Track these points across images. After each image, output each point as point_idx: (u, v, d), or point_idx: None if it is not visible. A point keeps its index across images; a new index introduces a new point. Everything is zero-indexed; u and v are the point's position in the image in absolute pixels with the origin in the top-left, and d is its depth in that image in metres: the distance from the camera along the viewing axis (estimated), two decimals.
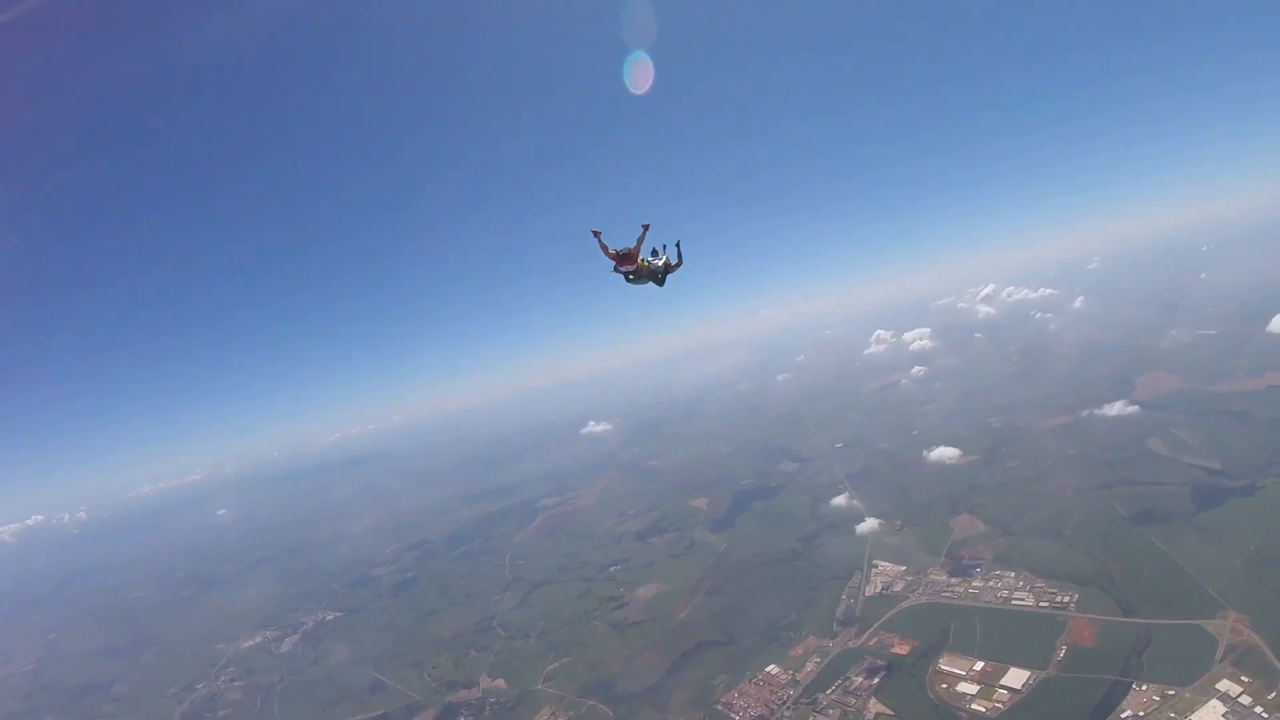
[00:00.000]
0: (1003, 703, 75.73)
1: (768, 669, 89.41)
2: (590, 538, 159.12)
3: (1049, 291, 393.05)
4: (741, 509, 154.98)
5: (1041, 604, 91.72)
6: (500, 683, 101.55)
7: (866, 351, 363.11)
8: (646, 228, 17.88)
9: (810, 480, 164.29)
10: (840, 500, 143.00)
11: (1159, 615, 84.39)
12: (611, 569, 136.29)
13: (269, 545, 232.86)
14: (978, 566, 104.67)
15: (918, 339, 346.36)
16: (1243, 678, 69.83)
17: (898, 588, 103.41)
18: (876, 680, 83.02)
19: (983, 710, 75.14)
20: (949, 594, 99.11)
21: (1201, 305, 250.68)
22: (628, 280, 19.63)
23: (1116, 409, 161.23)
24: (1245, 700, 65.16)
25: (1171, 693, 71.23)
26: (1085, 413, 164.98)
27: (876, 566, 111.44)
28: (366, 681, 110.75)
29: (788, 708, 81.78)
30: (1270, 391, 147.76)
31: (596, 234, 18.26)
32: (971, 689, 78.61)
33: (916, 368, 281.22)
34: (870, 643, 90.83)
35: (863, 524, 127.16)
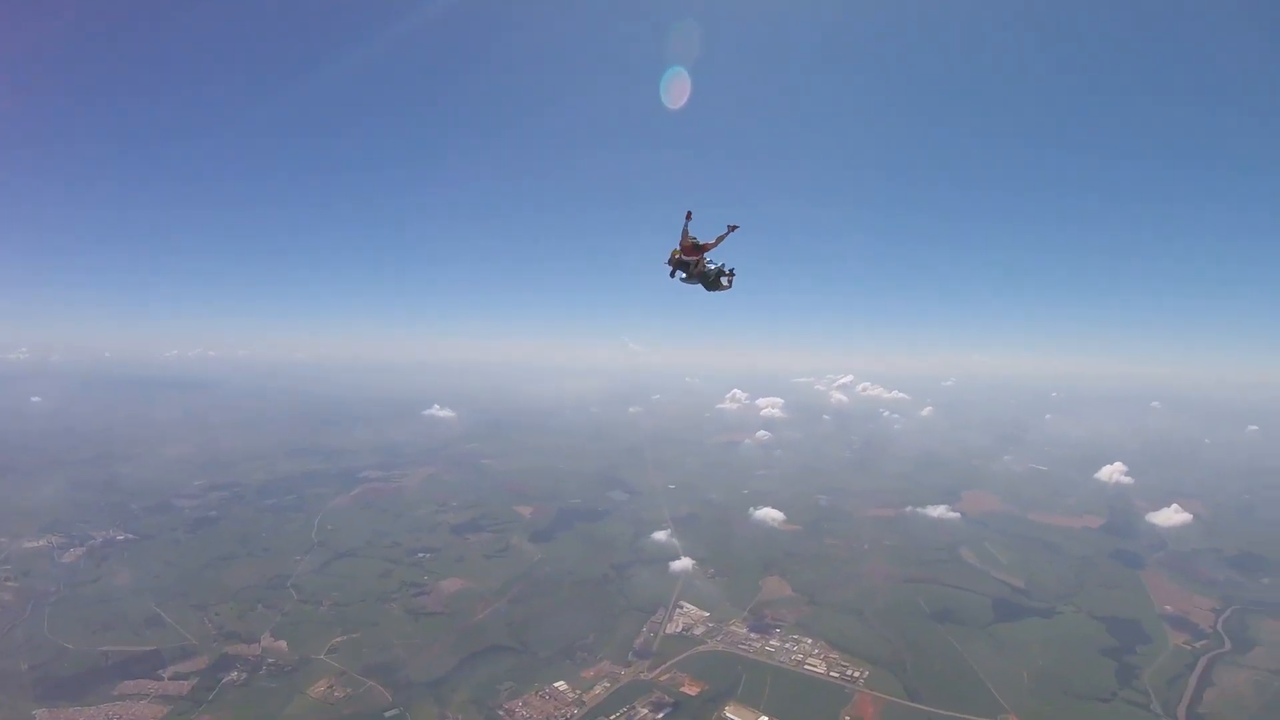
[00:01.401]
0: None
1: (556, 684, 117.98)
2: (406, 519, 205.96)
3: (901, 395, 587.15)
4: (564, 525, 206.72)
5: (832, 674, 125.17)
6: (282, 644, 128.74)
7: (719, 406, 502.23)
8: (733, 228, 23.47)
9: (636, 513, 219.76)
10: (661, 538, 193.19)
11: (944, 706, 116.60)
12: (420, 555, 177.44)
13: (75, 447, 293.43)
14: (778, 627, 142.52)
15: (770, 406, 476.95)
16: None
17: (698, 631, 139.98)
18: (661, 715, 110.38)
19: None
20: (745, 647, 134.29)
21: (1040, 443, 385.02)
22: (673, 274, 25.38)
23: (939, 512, 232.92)
24: None
25: None
26: (909, 509, 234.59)
27: (682, 607, 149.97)
28: (144, 613, 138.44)
29: None
30: (1085, 531, 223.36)
31: (688, 216, 23.56)
32: None
33: (762, 432, 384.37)
34: (661, 678, 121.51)
35: (677, 564, 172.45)
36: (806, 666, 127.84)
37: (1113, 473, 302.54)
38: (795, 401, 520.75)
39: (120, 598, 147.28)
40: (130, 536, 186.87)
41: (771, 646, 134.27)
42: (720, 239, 24.03)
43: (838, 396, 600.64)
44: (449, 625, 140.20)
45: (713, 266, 25.13)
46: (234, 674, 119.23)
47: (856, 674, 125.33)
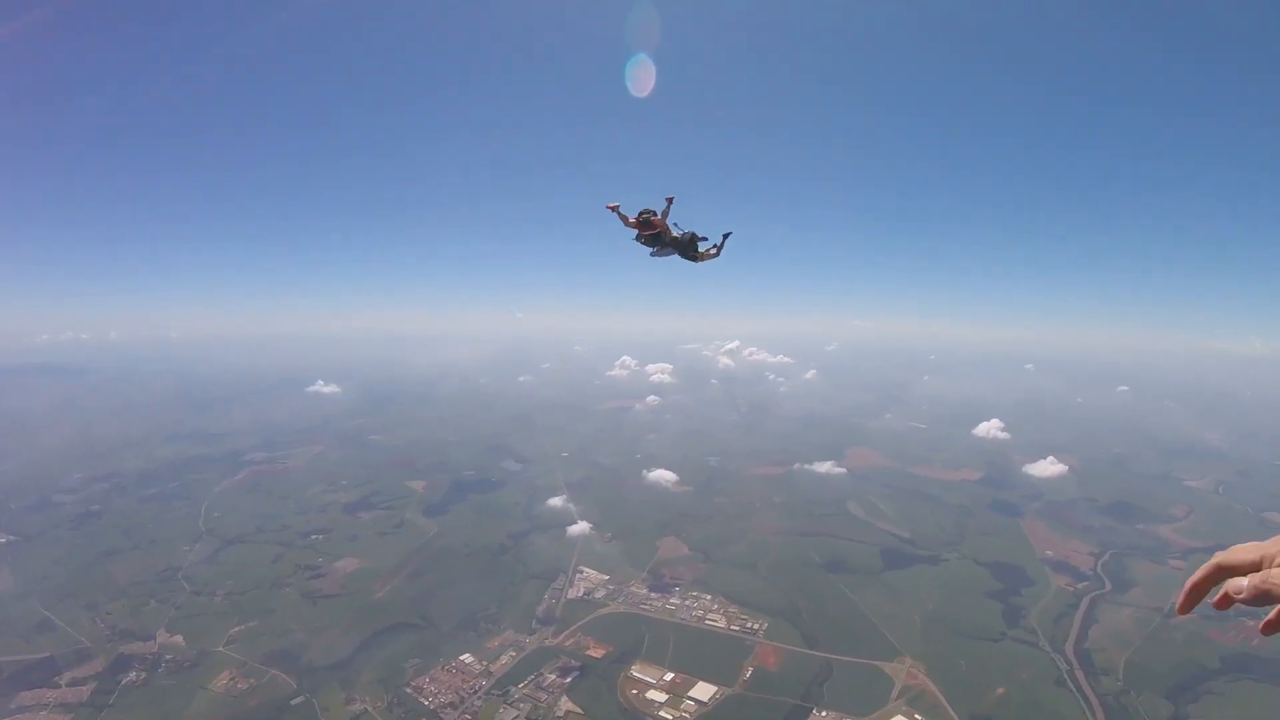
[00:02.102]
0: (689, 713, 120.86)
1: (462, 657, 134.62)
2: (295, 501, 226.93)
3: (786, 359, 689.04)
4: (458, 498, 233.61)
5: (733, 627, 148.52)
6: (179, 639, 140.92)
7: (609, 373, 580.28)
8: (671, 200, 27.25)
9: (530, 481, 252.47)
10: (556, 504, 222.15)
11: (841, 652, 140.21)
12: (313, 537, 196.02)
13: None
14: (677, 586, 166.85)
15: (659, 372, 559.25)
16: (916, 716, 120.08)
17: (599, 594, 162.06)
18: (569, 679, 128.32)
19: (669, 718, 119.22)
20: (647, 606, 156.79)
21: (919, 402, 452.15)
22: (652, 254, 28.85)
23: (825, 468, 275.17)
24: None
25: None
26: (796, 466, 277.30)
27: (581, 572, 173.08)
28: (34, 618, 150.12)
29: (479, 697, 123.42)
30: (964, 483, 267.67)
31: (614, 208, 27.37)
32: (660, 697, 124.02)
33: (652, 397, 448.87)
34: (567, 643, 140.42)
35: (574, 530, 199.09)
36: (707, 622, 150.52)
37: (989, 429, 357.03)
38: (684, 367, 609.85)
39: (6, 603, 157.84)
40: (11, 538, 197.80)
41: (672, 605, 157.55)
42: (665, 211, 27.76)
43: (725, 361, 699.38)
44: (348, 606, 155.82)
45: (682, 234, 28.69)
46: (133, 674, 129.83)
47: (756, 626, 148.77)
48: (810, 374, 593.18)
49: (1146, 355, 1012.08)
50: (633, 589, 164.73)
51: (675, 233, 28.51)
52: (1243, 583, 6.01)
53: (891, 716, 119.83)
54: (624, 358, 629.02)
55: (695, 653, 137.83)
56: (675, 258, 29.50)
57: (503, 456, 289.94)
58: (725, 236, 30.12)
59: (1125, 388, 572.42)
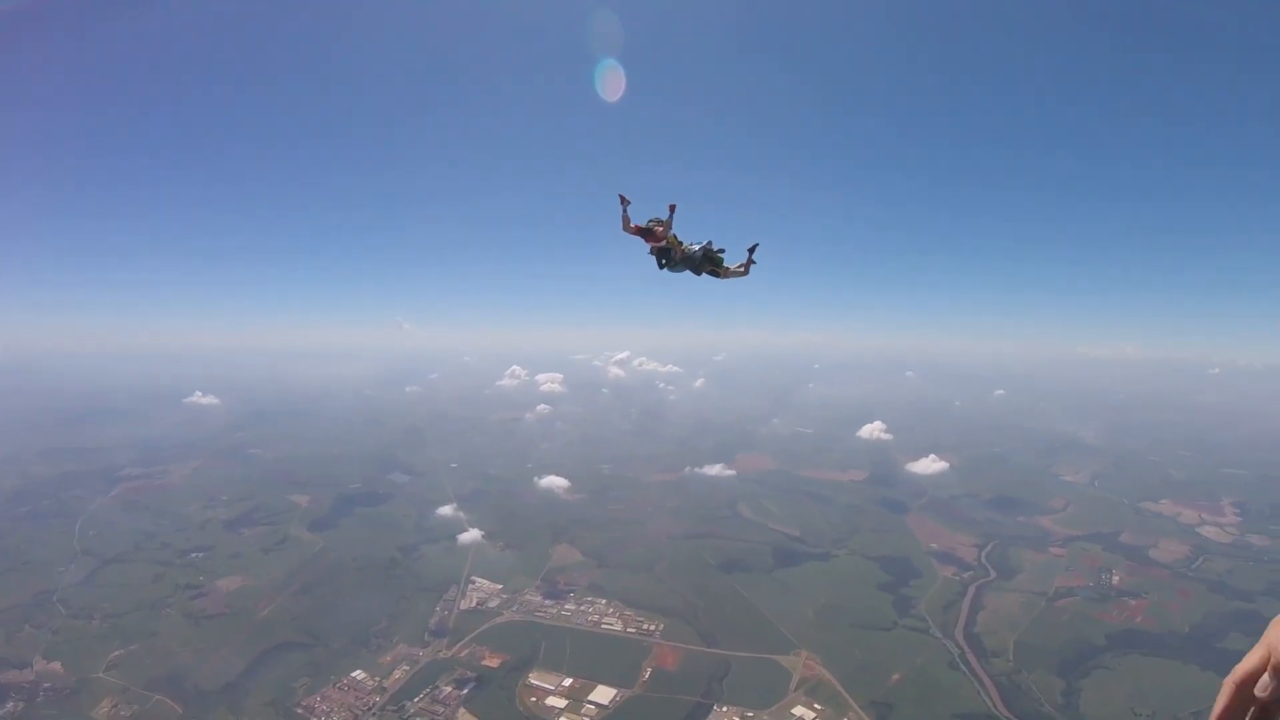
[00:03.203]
0: (590, 717, 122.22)
1: (354, 674, 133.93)
2: (174, 518, 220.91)
3: (675, 368, 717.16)
4: (344, 512, 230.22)
5: (629, 630, 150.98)
6: (57, 666, 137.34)
7: (499, 383, 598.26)
8: (673, 208, 25.77)
9: (420, 493, 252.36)
10: (447, 515, 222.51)
11: (738, 649, 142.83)
12: (193, 555, 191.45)
13: None
14: (572, 591, 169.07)
15: (550, 382, 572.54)
16: (816, 705, 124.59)
17: (493, 604, 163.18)
18: (466, 691, 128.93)
19: None
20: (542, 614, 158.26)
21: (805, 407, 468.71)
22: (660, 265, 27.19)
23: (716, 470, 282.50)
24: None
25: (750, 715, 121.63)
26: (688, 469, 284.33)
27: (474, 582, 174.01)
28: None
29: (373, 714, 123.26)
30: (850, 484, 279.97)
31: (624, 201, 25.74)
32: (560, 703, 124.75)
33: (543, 406, 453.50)
34: (461, 654, 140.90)
35: (465, 540, 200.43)
36: (604, 626, 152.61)
37: (873, 430, 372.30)
38: (574, 377, 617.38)
39: None
40: None
41: (567, 610, 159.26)
42: (668, 220, 26.29)
43: (615, 371, 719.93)
44: (233, 626, 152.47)
45: (696, 247, 26.73)
46: (10, 705, 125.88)
47: (652, 627, 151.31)
48: (699, 382, 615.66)
49: (1022, 360, 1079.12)
50: (527, 597, 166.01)
51: (689, 246, 26.55)
52: (1268, 680, 5.79)
53: (791, 707, 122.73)
54: (514, 368, 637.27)
55: (593, 657, 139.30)
56: (680, 269, 27.13)
57: (390, 469, 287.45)
58: (751, 250, 27.80)
59: (1002, 391, 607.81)
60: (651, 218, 26.28)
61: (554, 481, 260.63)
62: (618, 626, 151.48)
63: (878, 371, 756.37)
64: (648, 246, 26.74)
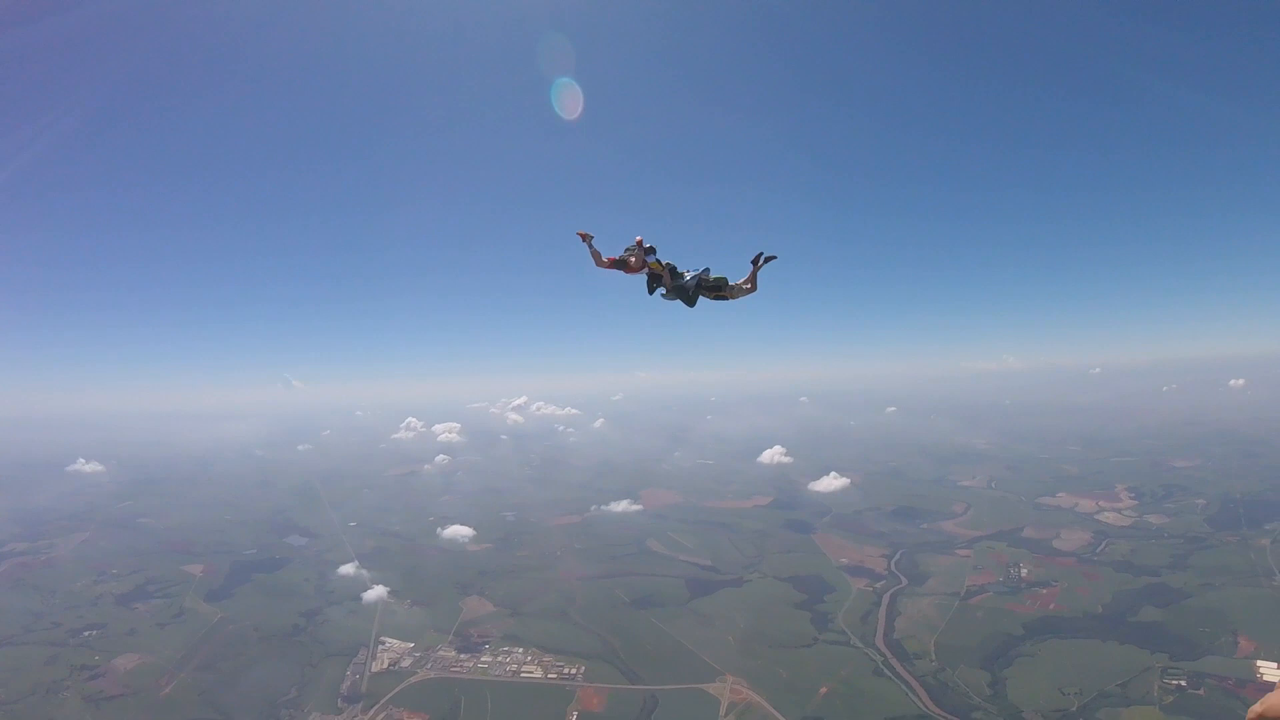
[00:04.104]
0: None
1: None
2: (64, 595, 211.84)
3: (574, 411, 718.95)
4: (241, 579, 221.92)
5: (550, 676, 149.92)
6: None
7: (394, 436, 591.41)
8: (641, 243, 25.93)
9: (319, 555, 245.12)
10: (348, 577, 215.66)
11: (663, 682, 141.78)
12: (86, 633, 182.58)
13: None
14: (487, 643, 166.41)
15: (446, 432, 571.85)
16: None
17: (406, 663, 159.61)
18: None
19: None
20: (458, 669, 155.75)
21: (705, 440, 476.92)
22: (661, 295, 27.07)
23: (621, 507, 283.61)
24: None
25: None
26: (594, 508, 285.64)
27: (384, 643, 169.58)
28: None
29: None
30: (755, 510, 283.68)
31: (586, 238, 25.90)
32: None
33: (441, 457, 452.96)
34: (379, 718, 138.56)
35: (370, 601, 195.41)
36: (523, 675, 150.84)
37: (773, 455, 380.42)
38: (472, 425, 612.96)
39: None
40: None
41: (484, 663, 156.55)
42: (636, 251, 26.12)
43: (513, 417, 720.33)
44: (135, 706, 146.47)
45: (689, 276, 26.50)
46: None
47: (574, 671, 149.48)
48: (599, 423, 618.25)
49: (909, 379, 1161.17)
50: (441, 653, 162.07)
51: (682, 275, 26.02)
52: None
53: None
54: (409, 419, 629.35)
55: (515, 707, 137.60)
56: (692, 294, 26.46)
57: (286, 532, 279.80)
58: (756, 261, 26.75)
59: (893, 408, 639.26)
60: (627, 247, 25.90)
61: (458, 532, 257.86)
62: (538, 674, 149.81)
63: (772, 401, 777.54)
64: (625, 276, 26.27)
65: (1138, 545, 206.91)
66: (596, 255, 26.04)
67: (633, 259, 25.88)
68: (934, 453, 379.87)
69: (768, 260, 26.65)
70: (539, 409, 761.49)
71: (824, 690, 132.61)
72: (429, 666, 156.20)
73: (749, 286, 27.03)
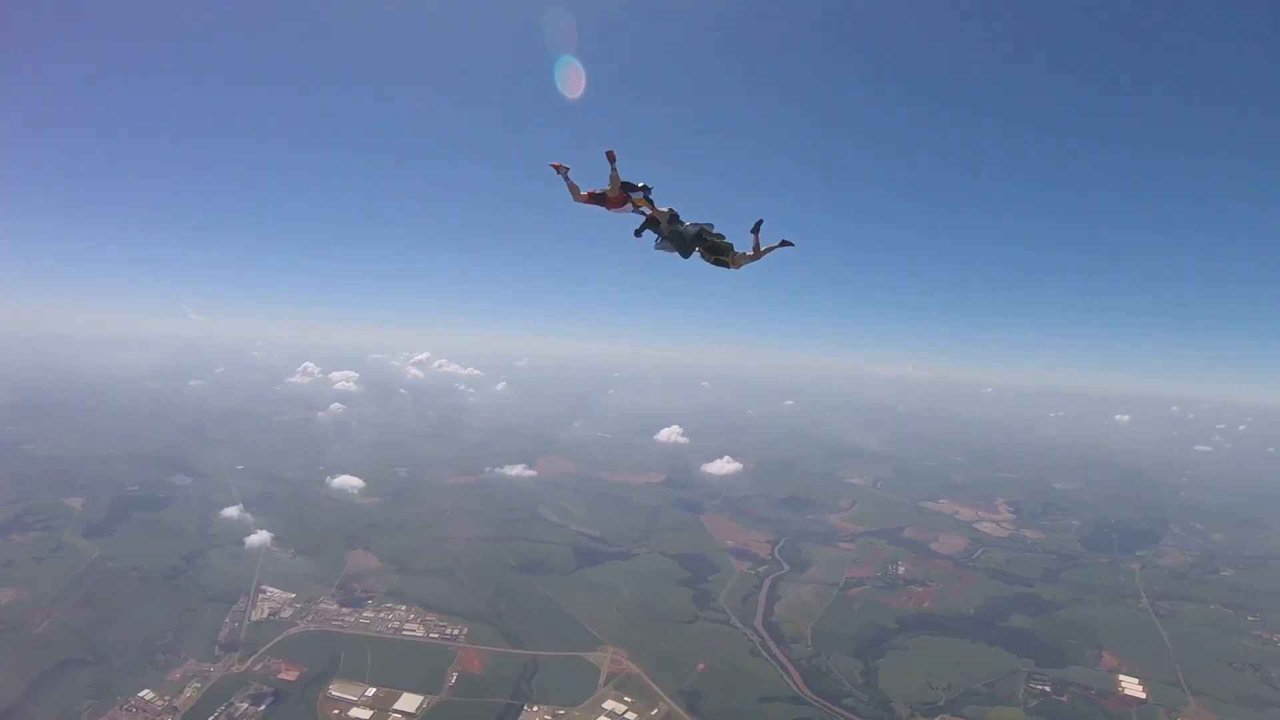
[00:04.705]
0: None
1: (141, 694, 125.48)
2: None
3: (476, 372, 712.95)
4: (122, 517, 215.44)
5: (432, 635, 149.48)
6: None
7: (290, 379, 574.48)
8: (611, 155, 24.14)
9: (204, 496, 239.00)
10: (232, 520, 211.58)
11: (545, 648, 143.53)
12: None
13: None
14: (370, 599, 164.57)
15: (344, 380, 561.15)
16: (626, 699, 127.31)
17: (286, 614, 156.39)
18: (263, 707, 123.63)
19: None
20: (339, 623, 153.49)
21: (605, 413, 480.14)
22: (655, 246, 26.10)
23: (516, 471, 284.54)
24: (631, 717, 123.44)
25: (561, 712, 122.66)
26: (488, 470, 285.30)
27: (265, 592, 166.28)
28: None
29: None
30: (648, 486, 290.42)
31: (561, 170, 25.23)
32: (364, 714, 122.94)
33: (336, 405, 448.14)
34: (256, 668, 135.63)
35: (253, 548, 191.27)
36: (405, 632, 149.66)
37: (671, 434, 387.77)
38: (371, 376, 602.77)
39: None
40: None
41: (366, 618, 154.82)
42: (613, 178, 24.44)
43: (414, 372, 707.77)
44: (8, 643, 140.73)
45: (692, 228, 25.03)
46: None
47: (456, 631, 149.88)
48: (501, 386, 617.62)
49: (811, 375, 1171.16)
50: (322, 605, 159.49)
51: (683, 222, 24.69)
52: None
53: (602, 702, 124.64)
54: (306, 364, 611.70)
55: (396, 665, 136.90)
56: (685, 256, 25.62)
57: (172, 469, 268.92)
58: (756, 230, 25.47)
59: (791, 401, 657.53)
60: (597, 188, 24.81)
61: (348, 483, 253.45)
62: (420, 632, 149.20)
63: (674, 381, 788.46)
64: (601, 212, 25.31)
65: (1012, 556, 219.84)
66: (574, 189, 25.01)
67: (610, 193, 24.68)
68: (827, 448, 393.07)
69: (783, 244, 25.58)
70: (441, 366, 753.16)
71: (701, 666, 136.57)
72: (309, 618, 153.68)
73: (752, 255, 26.16)
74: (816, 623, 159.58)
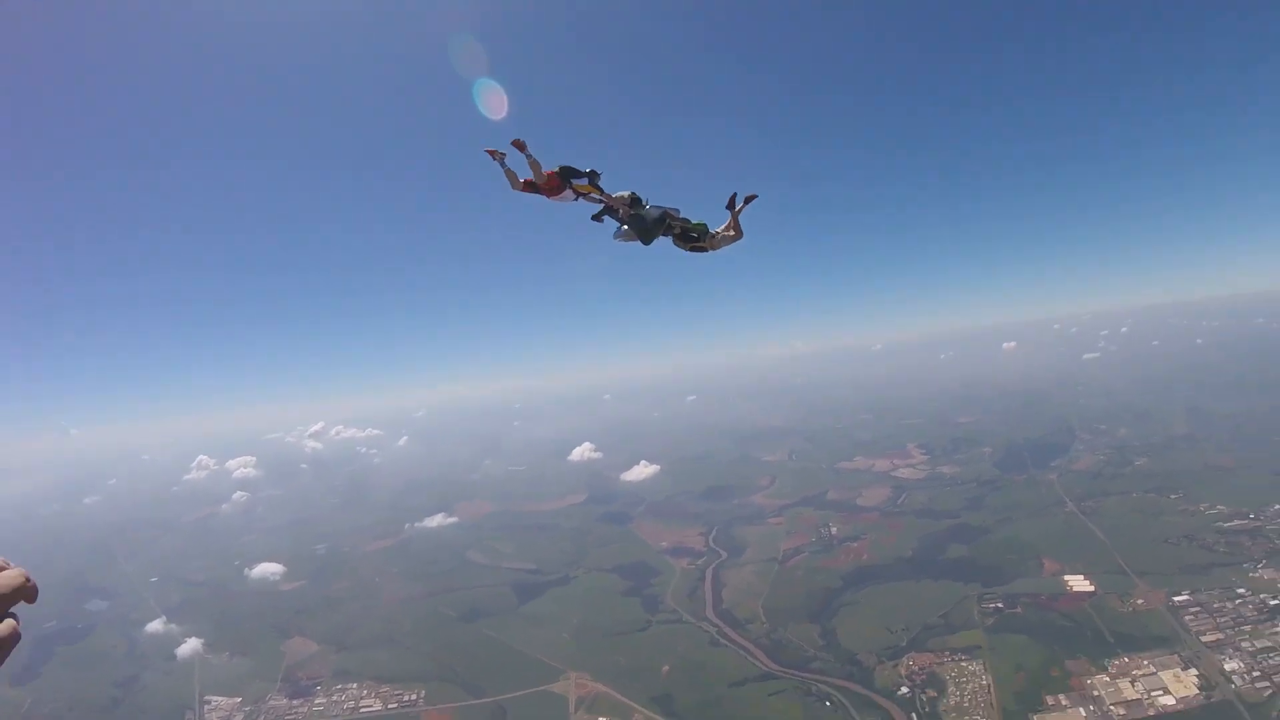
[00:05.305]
0: None
1: None
2: None
3: (375, 432, 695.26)
4: (45, 656, 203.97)
5: (390, 706, 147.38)
6: None
7: (187, 477, 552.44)
8: (519, 144, 21.99)
9: (123, 616, 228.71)
10: (159, 635, 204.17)
11: (507, 691, 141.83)
12: None
13: None
14: (317, 685, 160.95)
15: (242, 467, 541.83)
16: (601, 718, 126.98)
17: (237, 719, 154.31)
18: None
19: None
20: (293, 716, 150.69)
21: (514, 447, 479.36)
22: (614, 236, 24.46)
23: (436, 521, 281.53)
24: None
25: None
26: (407, 527, 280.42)
27: (209, 702, 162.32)
28: None
29: None
30: (570, 508, 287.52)
31: (497, 156, 22.68)
32: None
33: (239, 494, 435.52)
34: None
35: (187, 659, 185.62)
36: (363, 710, 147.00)
37: (583, 451, 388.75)
38: (269, 457, 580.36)
39: None
40: None
41: (320, 705, 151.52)
42: (529, 158, 22.45)
43: (312, 444, 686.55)
44: None
45: (653, 211, 23.56)
46: None
47: (414, 696, 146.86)
48: (403, 441, 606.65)
49: (707, 368, 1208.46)
50: (272, 703, 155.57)
51: (641, 205, 22.92)
52: None
53: None
54: (201, 457, 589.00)
55: None
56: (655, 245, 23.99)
57: (85, 596, 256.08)
58: (733, 204, 24.04)
59: (693, 397, 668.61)
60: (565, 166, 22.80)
61: (267, 570, 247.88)
62: (377, 706, 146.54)
63: (576, 402, 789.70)
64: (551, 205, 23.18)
65: (935, 494, 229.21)
66: (512, 177, 23.17)
67: (537, 179, 22.59)
68: (736, 434, 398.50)
69: (749, 200, 24.18)
70: (339, 433, 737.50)
71: (666, 669, 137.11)
72: (262, 718, 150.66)
73: (733, 234, 24.80)
74: (766, 599, 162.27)
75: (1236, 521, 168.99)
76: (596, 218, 24.10)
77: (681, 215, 24.09)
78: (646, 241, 23.74)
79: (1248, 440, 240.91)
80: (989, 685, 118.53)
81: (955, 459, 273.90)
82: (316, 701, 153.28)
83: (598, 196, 23.28)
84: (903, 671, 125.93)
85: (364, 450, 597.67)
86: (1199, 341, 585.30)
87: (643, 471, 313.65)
